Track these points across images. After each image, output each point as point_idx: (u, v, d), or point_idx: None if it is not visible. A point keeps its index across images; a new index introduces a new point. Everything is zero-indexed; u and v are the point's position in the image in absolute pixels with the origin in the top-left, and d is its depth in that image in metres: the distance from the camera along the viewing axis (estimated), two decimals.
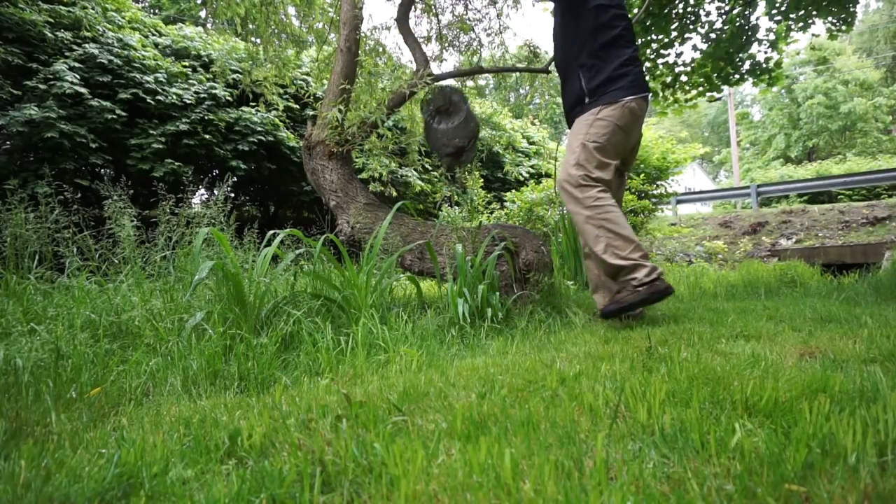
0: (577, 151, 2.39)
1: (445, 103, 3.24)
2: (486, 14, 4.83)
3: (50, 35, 6.65)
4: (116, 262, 2.61)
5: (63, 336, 1.79)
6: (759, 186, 12.02)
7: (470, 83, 5.09)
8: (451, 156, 3.19)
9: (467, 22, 4.77)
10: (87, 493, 0.74)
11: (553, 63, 2.69)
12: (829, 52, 26.46)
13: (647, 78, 6.32)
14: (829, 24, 5.86)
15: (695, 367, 1.26)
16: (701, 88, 6.20)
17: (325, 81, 4.89)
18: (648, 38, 6.05)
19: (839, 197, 13.72)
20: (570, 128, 2.60)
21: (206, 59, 8.18)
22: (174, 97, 7.38)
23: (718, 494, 0.63)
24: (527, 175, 11.87)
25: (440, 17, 4.87)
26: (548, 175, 11.68)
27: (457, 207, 7.18)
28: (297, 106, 8.48)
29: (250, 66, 5.07)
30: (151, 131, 7.16)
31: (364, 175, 4.44)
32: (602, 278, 2.57)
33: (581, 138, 2.40)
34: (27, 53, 6.50)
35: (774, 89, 6.63)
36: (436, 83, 3.67)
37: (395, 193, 4.89)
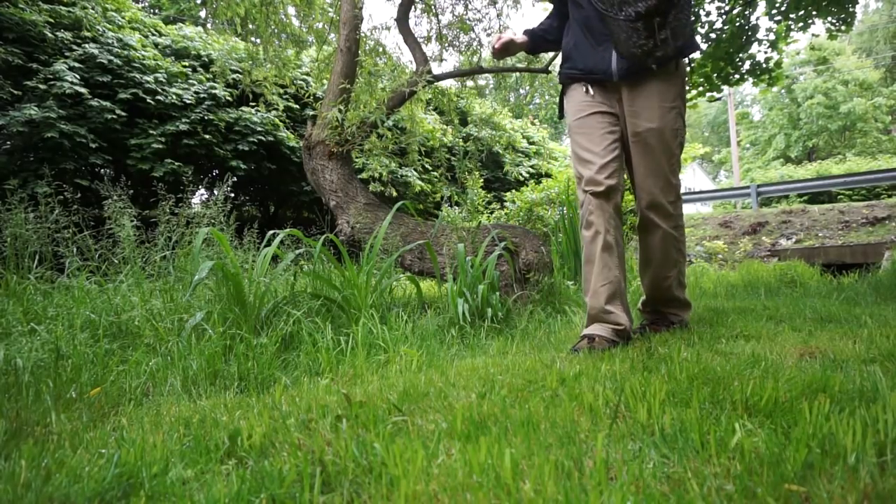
0: (676, 154, 1.89)
1: None
2: (486, 14, 4.84)
3: (50, 35, 6.65)
4: (116, 262, 2.61)
5: (63, 336, 1.79)
6: (759, 186, 12.02)
7: (470, 83, 5.09)
8: (638, 20, 1.67)
9: (467, 22, 4.77)
10: (87, 493, 0.74)
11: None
12: (828, 52, 26.45)
13: None
14: (828, 24, 5.86)
15: (695, 367, 1.26)
16: (701, 88, 6.20)
17: (325, 81, 4.90)
18: None
19: (839, 197, 13.72)
20: (622, 77, 1.84)
21: (206, 59, 8.18)
22: (174, 97, 7.38)
23: (718, 494, 0.63)
24: (527, 175, 11.88)
25: (440, 17, 4.87)
26: (548, 175, 11.68)
27: (457, 207, 7.18)
28: (297, 106, 8.48)
29: (250, 66, 5.07)
30: (151, 131, 7.16)
31: (364, 175, 4.44)
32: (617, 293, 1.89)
33: (679, 135, 1.88)
34: (27, 53, 6.51)
35: (774, 89, 6.63)
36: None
37: (395, 193, 4.89)
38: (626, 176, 2.02)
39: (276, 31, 5.19)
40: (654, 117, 1.84)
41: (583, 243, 1.93)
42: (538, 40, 2.11)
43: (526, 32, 2.10)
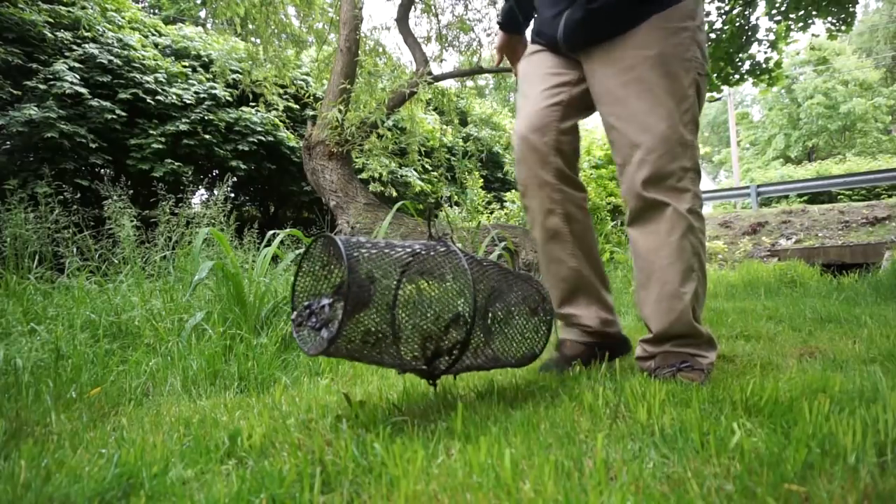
0: (690, 97, 1.28)
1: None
2: (486, 14, 4.85)
3: (50, 35, 6.66)
4: (116, 262, 2.61)
5: (63, 336, 1.79)
6: (758, 186, 12.02)
7: (470, 83, 5.10)
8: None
9: (467, 22, 4.77)
10: (87, 493, 0.74)
11: None
12: (828, 52, 26.45)
13: None
14: (828, 25, 5.86)
15: None
16: None
17: (325, 81, 4.90)
18: None
19: (839, 197, 13.71)
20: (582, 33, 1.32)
21: (206, 59, 8.19)
22: (174, 97, 7.38)
23: (718, 494, 0.63)
24: None
25: (440, 17, 4.88)
26: None
27: (457, 207, 7.18)
28: (297, 106, 8.49)
29: (250, 66, 5.07)
30: (151, 131, 7.17)
31: (364, 175, 4.44)
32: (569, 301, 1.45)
33: (694, 67, 1.28)
34: (27, 53, 6.51)
35: (774, 89, 6.64)
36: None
37: (395, 193, 4.90)
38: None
39: (276, 31, 5.20)
40: (649, 44, 1.26)
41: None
42: (518, 25, 1.60)
43: (502, 27, 1.60)
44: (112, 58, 6.95)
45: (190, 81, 7.77)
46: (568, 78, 1.40)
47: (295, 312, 1.01)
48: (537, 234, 1.45)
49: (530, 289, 1.18)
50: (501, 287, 1.13)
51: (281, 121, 8.31)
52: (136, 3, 9.73)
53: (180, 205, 2.92)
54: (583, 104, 1.42)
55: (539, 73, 1.43)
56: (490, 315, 1.10)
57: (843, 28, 5.82)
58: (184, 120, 7.38)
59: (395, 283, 1.04)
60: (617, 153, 1.31)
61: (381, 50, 4.54)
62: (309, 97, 6.82)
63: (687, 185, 1.26)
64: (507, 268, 1.18)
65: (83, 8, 7.12)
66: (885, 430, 0.78)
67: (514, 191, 7.87)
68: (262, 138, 7.98)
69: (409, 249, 1.04)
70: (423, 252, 1.06)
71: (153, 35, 8.19)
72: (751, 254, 7.88)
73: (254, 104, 7.56)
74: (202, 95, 7.72)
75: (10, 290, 2.41)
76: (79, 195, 3.01)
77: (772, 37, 5.92)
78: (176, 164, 7.14)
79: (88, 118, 6.65)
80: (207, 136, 7.55)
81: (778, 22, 5.84)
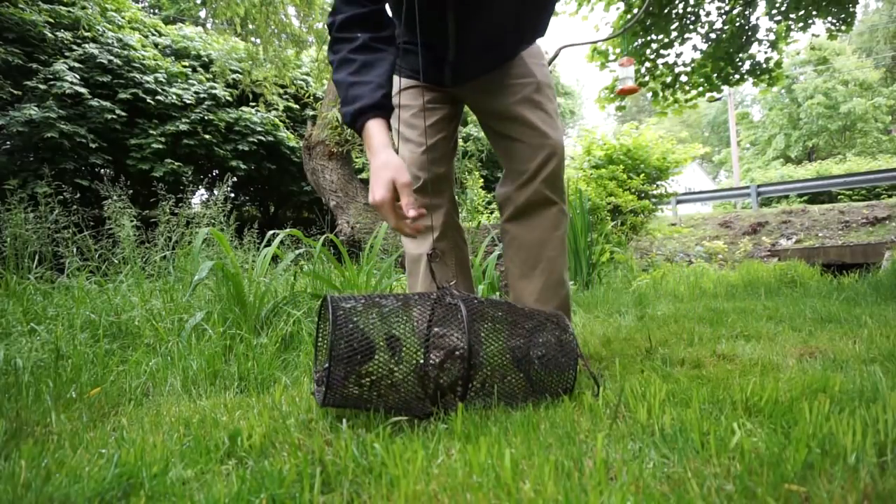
0: (559, 117, 1.51)
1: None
2: None
3: (50, 35, 6.66)
4: (116, 262, 2.61)
5: (63, 336, 1.79)
6: (759, 186, 12.03)
7: None
8: None
9: None
10: (87, 493, 0.74)
11: None
12: (829, 52, 26.46)
13: (646, 78, 6.31)
14: (828, 24, 5.86)
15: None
16: (701, 88, 6.21)
17: (325, 81, 4.90)
18: (648, 38, 6.06)
19: (839, 197, 13.71)
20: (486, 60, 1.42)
21: (206, 59, 8.19)
22: (174, 97, 7.39)
23: (718, 494, 0.63)
24: None
25: None
26: None
27: None
28: (297, 106, 8.49)
29: (250, 66, 5.07)
30: (151, 131, 7.17)
31: (364, 175, 4.44)
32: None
33: (554, 97, 1.53)
34: (27, 53, 6.52)
35: (774, 89, 6.64)
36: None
37: None
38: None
39: (276, 31, 5.20)
40: (527, 72, 1.46)
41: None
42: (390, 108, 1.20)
43: (377, 109, 1.15)
44: (112, 58, 6.95)
45: (190, 81, 7.78)
46: (445, 112, 1.53)
47: (317, 374, 1.08)
48: (419, 266, 1.53)
49: (549, 323, 1.17)
50: (534, 332, 1.16)
51: (281, 121, 8.32)
52: (136, 3, 9.73)
53: (180, 205, 2.93)
54: (455, 138, 1.60)
55: (419, 105, 1.50)
56: (535, 359, 1.13)
57: (843, 28, 5.82)
58: (184, 120, 7.38)
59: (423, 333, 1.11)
60: (516, 159, 1.45)
61: None
62: (309, 97, 6.83)
63: (563, 188, 1.46)
64: (526, 309, 1.18)
65: (83, 8, 7.12)
66: (885, 430, 0.78)
67: None
68: (262, 138, 7.99)
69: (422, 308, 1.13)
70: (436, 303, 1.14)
71: (153, 35, 8.20)
72: (751, 254, 7.88)
73: (254, 104, 7.56)
74: (202, 95, 7.72)
75: (10, 290, 2.41)
76: (79, 195, 3.01)
77: (772, 37, 5.92)
78: (176, 164, 7.15)
79: (88, 118, 6.65)
80: (207, 136, 7.55)
81: (778, 22, 5.84)
